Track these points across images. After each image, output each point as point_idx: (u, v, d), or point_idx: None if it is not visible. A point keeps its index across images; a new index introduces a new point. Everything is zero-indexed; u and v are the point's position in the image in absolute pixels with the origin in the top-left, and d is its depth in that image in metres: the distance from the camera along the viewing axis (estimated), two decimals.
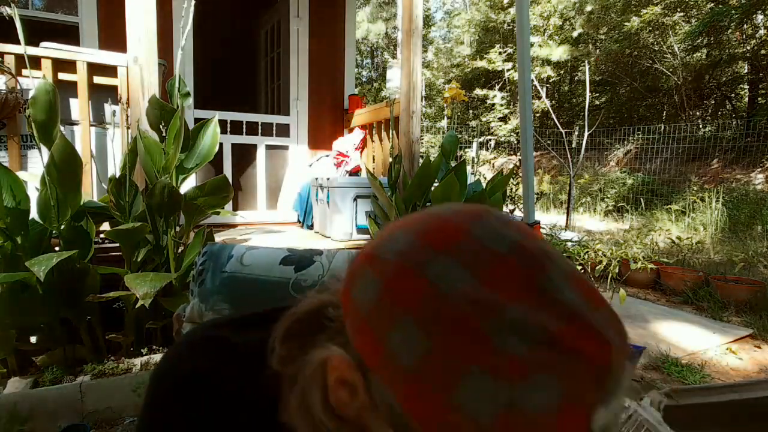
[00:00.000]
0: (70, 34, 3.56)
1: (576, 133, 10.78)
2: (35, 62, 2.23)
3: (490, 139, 10.88)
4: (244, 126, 4.16)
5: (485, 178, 4.35)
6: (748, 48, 9.28)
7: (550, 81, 13.68)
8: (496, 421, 0.26)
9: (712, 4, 9.70)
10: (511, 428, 0.26)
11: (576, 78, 13.96)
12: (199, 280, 0.80)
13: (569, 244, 3.41)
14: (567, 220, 6.42)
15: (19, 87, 2.22)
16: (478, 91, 13.77)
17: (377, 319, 0.31)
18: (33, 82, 1.91)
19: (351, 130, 4.32)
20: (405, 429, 0.29)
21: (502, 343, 0.26)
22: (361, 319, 0.32)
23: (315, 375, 0.35)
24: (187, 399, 0.44)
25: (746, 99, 10.43)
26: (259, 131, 4.21)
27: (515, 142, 11.57)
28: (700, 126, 9.40)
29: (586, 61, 10.33)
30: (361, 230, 3.35)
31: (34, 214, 1.93)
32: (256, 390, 0.43)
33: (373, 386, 0.32)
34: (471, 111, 14.68)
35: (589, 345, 0.27)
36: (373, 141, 3.99)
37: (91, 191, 2.40)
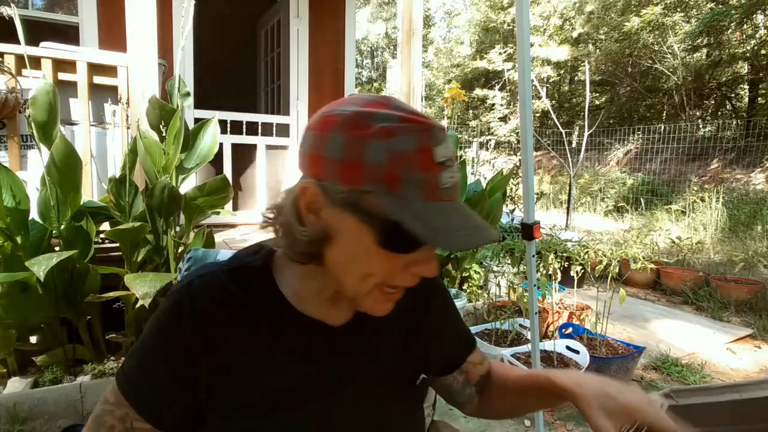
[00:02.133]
0: (70, 34, 3.56)
1: (576, 133, 10.77)
2: (35, 62, 2.23)
3: (490, 139, 10.88)
4: (244, 126, 4.16)
5: (485, 178, 4.35)
6: (748, 48, 9.28)
7: (550, 81, 13.69)
8: (387, 160, 0.48)
9: (712, 4, 9.70)
10: (394, 162, 0.48)
11: (576, 78, 13.96)
12: None
13: (569, 244, 3.41)
14: (567, 220, 6.42)
15: (19, 87, 2.22)
16: (478, 91, 13.77)
17: (316, 146, 0.51)
18: (33, 82, 1.91)
19: None
20: (352, 201, 0.49)
21: (376, 124, 0.49)
22: (306, 155, 0.53)
23: (293, 205, 0.55)
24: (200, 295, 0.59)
25: (746, 99, 10.43)
26: (259, 131, 4.21)
27: (515, 142, 11.57)
28: (700, 126, 9.40)
29: (586, 61, 10.32)
30: None
31: (34, 214, 1.93)
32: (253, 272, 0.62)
33: (327, 188, 0.51)
34: (471, 111, 14.68)
35: (417, 118, 0.50)
36: None
37: (91, 191, 2.40)
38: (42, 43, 2.39)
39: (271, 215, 0.59)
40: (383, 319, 0.61)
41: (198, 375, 0.57)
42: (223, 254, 0.83)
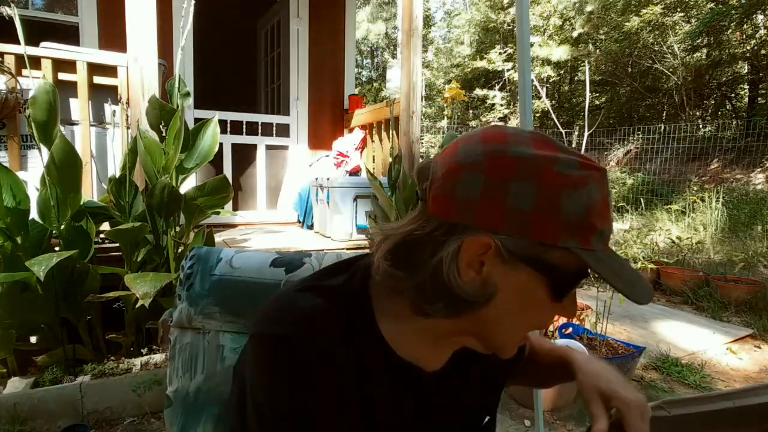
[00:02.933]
0: (70, 34, 3.56)
1: (576, 133, 10.77)
2: (35, 62, 2.23)
3: None
4: (244, 126, 4.16)
5: None
6: (748, 48, 9.28)
7: (550, 81, 13.68)
8: (586, 213, 0.45)
9: (712, 4, 9.69)
10: (591, 214, 0.45)
11: (576, 78, 13.96)
12: (187, 284, 0.78)
13: None
14: None
15: (19, 87, 2.22)
16: (478, 91, 13.76)
17: (492, 193, 0.44)
18: (33, 82, 1.91)
19: (351, 130, 4.31)
20: (534, 256, 0.45)
21: (566, 172, 0.45)
22: (475, 202, 0.45)
23: (451, 262, 0.47)
24: (319, 359, 0.49)
25: (746, 99, 10.43)
26: (259, 131, 4.21)
27: None
28: (700, 126, 9.40)
29: (586, 61, 10.33)
30: (361, 230, 3.35)
31: (34, 214, 1.93)
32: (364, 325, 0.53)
33: (505, 242, 0.45)
34: (471, 111, 14.68)
35: (590, 163, 0.47)
36: (373, 141, 3.99)
37: (91, 191, 2.40)
38: (42, 43, 2.39)
39: (398, 273, 0.50)
40: (473, 364, 0.61)
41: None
42: (226, 253, 0.82)
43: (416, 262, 0.48)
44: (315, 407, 0.48)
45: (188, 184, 2.62)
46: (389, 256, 0.50)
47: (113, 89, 2.47)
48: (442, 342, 0.55)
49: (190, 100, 2.52)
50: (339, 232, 3.30)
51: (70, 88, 2.39)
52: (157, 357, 2.06)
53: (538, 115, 12.33)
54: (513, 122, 12.48)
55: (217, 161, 2.92)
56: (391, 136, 3.36)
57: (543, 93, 9.95)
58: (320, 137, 4.48)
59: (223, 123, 3.69)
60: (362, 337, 0.52)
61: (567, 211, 0.44)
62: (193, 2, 2.21)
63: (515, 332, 0.52)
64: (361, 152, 4.15)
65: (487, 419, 0.67)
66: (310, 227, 3.84)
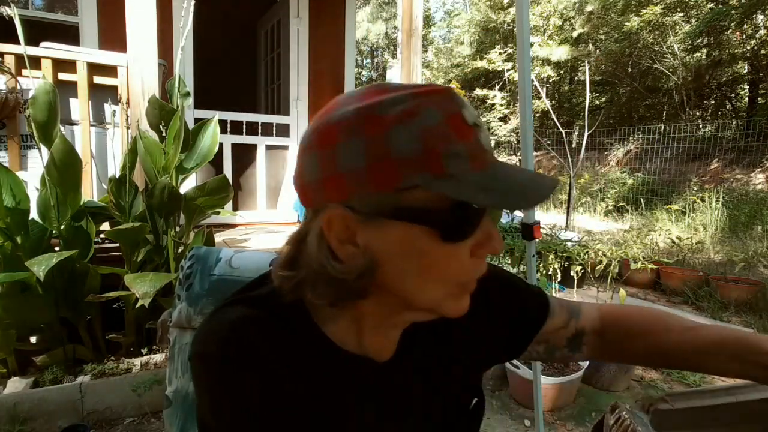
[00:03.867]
0: (70, 34, 3.56)
1: (576, 133, 10.78)
2: (35, 62, 2.23)
3: (490, 139, 10.88)
4: (244, 126, 4.16)
5: None
6: (748, 48, 9.28)
7: (550, 81, 13.68)
8: (421, 142, 0.41)
9: (712, 4, 9.70)
10: (430, 141, 0.41)
11: (576, 78, 13.96)
12: (187, 284, 0.78)
13: (569, 244, 3.41)
14: (567, 220, 6.41)
15: (19, 87, 2.22)
16: (478, 91, 13.77)
17: (326, 165, 0.44)
18: (33, 82, 1.91)
19: None
20: (390, 207, 0.43)
21: (391, 111, 0.42)
22: (318, 182, 0.44)
23: (320, 246, 0.46)
24: (249, 367, 0.47)
25: (746, 99, 10.43)
26: (259, 131, 4.21)
27: (515, 142, 11.57)
28: (700, 126, 9.40)
29: (586, 61, 10.33)
30: None
31: (34, 214, 1.93)
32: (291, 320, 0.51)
33: (356, 207, 0.43)
34: None
35: (429, 88, 0.44)
36: None
37: (91, 191, 2.40)
38: (42, 43, 2.39)
39: (289, 273, 0.49)
40: (435, 345, 0.57)
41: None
42: (226, 252, 0.82)
43: (300, 259, 0.48)
44: (260, 420, 0.46)
45: (188, 184, 2.62)
46: (284, 263, 0.50)
47: (113, 89, 2.47)
48: (384, 325, 0.53)
49: (190, 100, 2.53)
50: None
51: (70, 88, 2.39)
52: (157, 357, 2.06)
53: (538, 115, 12.33)
54: (513, 122, 12.49)
55: (217, 161, 2.92)
56: None
57: (543, 93, 9.93)
58: None
59: (223, 123, 3.68)
60: (302, 338, 0.50)
61: (399, 148, 0.41)
62: (193, 2, 2.21)
63: (433, 288, 0.46)
64: None
65: (474, 401, 0.63)
66: None
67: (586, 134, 6.70)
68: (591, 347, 0.70)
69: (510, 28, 13.66)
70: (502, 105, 13.14)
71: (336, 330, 0.52)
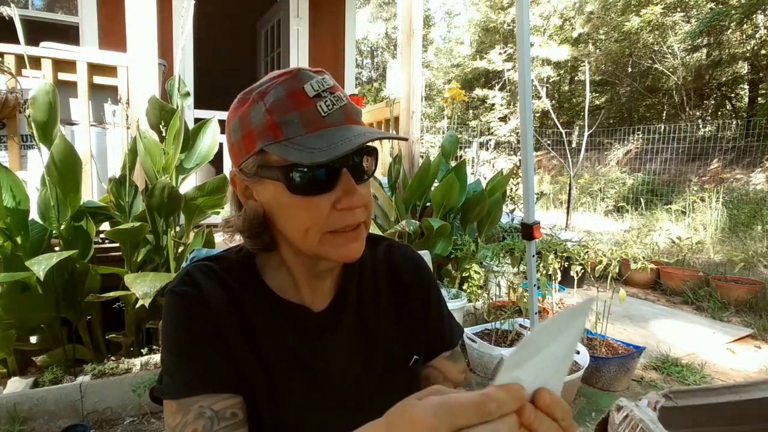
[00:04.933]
0: (70, 34, 3.56)
1: (576, 133, 10.77)
2: (35, 62, 2.23)
3: (490, 139, 10.88)
4: None
5: (485, 178, 4.35)
6: (748, 48, 9.28)
7: (550, 81, 13.69)
8: (266, 114, 0.52)
9: (712, 4, 9.70)
10: (271, 114, 0.52)
11: (576, 78, 13.96)
12: None
13: (569, 244, 3.41)
14: (567, 220, 6.41)
15: (19, 87, 2.22)
16: (478, 91, 13.77)
17: (229, 138, 0.58)
18: (33, 82, 1.91)
19: None
20: (259, 167, 0.54)
21: (252, 94, 0.55)
22: (229, 149, 0.58)
23: (232, 201, 0.62)
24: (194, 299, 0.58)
25: (746, 99, 10.43)
26: None
27: (515, 142, 11.56)
28: (700, 126, 9.39)
29: (586, 61, 10.33)
30: None
31: (34, 214, 1.93)
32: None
33: (243, 169, 0.56)
34: (471, 111, 14.68)
35: (286, 71, 0.55)
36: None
37: (91, 191, 2.40)
38: (42, 43, 2.39)
39: (228, 226, 0.61)
40: (366, 298, 0.65)
41: (227, 348, 0.58)
42: None
43: (231, 220, 0.61)
44: (194, 344, 0.57)
45: (188, 184, 2.62)
46: (226, 220, 0.63)
47: (113, 89, 2.47)
48: (311, 275, 0.62)
49: (190, 100, 2.53)
50: None
51: (70, 88, 2.39)
52: (157, 357, 2.06)
53: (538, 115, 12.33)
54: (513, 122, 12.48)
55: (217, 161, 2.91)
56: None
57: (543, 93, 9.94)
58: None
59: (223, 123, 3.68)
60: (247, 287, 0.61)
61: (254, 122, 0.53)
62: (193, 2, 2.21)
63: (303, 236, 0.55)
64: None
65: (414, 359, 0.68)
66: None
67: (586, 134, 6.70)
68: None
69: (510, 28, 13.66)
70: (502, 105, 13.13)
71: (277, 282, 0.62)
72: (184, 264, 0.85)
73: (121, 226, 1.88)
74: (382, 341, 0.66)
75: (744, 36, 9.21)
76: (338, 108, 0.53)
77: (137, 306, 1.90)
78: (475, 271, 2.88)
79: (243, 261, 0.63)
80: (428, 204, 3.17)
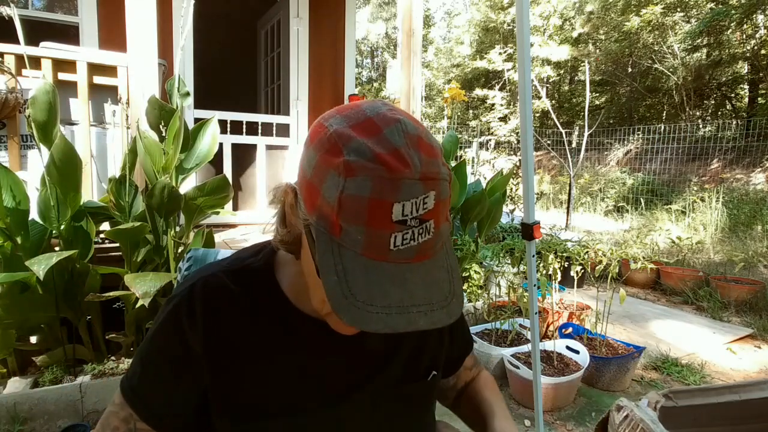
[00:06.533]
0: (70, 34, 3.56)
1: (576, 133, 10.77)
2: (35, 62, 2.23)
3: (490, 139, 10.87)
4: (244, 126, 4.16)
5: (485, 178, 4.35)
6: (748, 48, 9.28)
7: (550, 81, 13.69)
8: (337, 201, 0.43)
9: (712, 4, 9.70)
10: (342, 207, 0.43)
11: (576, 78, 13.96)
12: None
13: (569, 244, 3.41)
14: (567, 219, 6.41)
15: (19, 87, 2.22)
16: (478, 91, 13.77)
17: (302, 155, 0.50)
18: (33, 82, 1.91)
19: None
20: (306, 219, 0.48)
21: (342, 156, 0.44)
22: (300, 161, 0.51)
23: (281, 201, 0.55)
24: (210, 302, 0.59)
25: (746, 99, 10.42)
26: (259, 131, 4.21)
27: (515, 142, 11.56)
28: (700, 126, 9.39)
29: (586, 61, 10.33)
30: None
31: (34, 214, 1.93)
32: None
33: (297, 199, 0.50)
34: (471, 111, 14.68)
35: (393, 162, 0.43)
36: None
37: (91, 191, 2.40)
38: (42, 43, 2.39)
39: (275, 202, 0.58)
40: None
41: (201, 378, 0.57)
42: (223, 254, 0.83)
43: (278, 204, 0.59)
44: (159, 366, 0.58)
45: (188, 184, 2.62)
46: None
47: (113, 89, 2.46)
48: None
49: (190, 100, 2.52)
50: None
51: (70, 88, 2.38)
52: None
53: (538, 115, 12.33)
54: (513, 122, 12.48)
55: (217, 161, 2.92)
56: None
57: (543, 93, 9.94)
58: None
59: (222, 123, 3.68)
60: (263, 303, 0.60)
61: (324, 191, 0.44)
62: (193, 2, 2.21)
63: (314, 297, 0.54)
64: None
65: (432, 374, 0.67)
66: None
67: (586, 134, 6.71)
68: (461, 397, 0.82)
69: (510, 28, 13.66)
70: (502, 105, 13.13)
71: (296, 293, 0.60)
72: (180, 264, 0.84)
73: (121, 226, 1.88)
74: (402, 356, 0.65)
75: (744, 36, 9.20)
76: (414, 246, 0.44)
77: (137, 306, 1.90)
78: (475, 271, 2.88)
79: (262, 268, 0.62)
80: None
